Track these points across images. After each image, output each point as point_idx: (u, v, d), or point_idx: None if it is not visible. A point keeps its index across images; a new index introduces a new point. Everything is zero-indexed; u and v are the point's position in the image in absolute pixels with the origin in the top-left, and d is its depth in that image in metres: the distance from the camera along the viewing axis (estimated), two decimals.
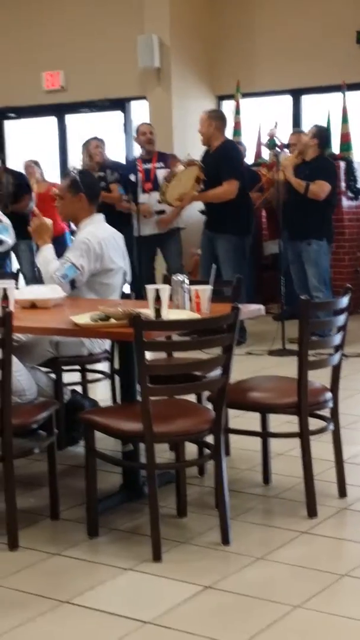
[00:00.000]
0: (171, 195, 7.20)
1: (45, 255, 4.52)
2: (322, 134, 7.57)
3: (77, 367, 5.01)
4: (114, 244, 4.57)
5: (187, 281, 3.86)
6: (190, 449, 3.84)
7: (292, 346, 6.86)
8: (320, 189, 7.26)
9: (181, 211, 7.81)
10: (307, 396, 3.62)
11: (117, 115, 10.72)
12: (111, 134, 10.57)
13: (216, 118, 7.37)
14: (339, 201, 8.71)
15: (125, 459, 3.86)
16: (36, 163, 9.49)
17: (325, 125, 8.51)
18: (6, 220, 4.77)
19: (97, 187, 4.74)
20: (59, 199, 4.64)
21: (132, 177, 7.87)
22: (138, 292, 7.46)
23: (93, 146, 8.39)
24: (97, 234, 4.50)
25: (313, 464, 3.65)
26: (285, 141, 7.75)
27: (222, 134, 7.38)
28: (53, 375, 4.51)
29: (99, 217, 4.65)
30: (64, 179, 4.68)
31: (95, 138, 8.54)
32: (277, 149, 7.76)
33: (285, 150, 7.61)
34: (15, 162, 9.69)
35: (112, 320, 3.51)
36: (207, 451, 3.60)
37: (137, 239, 7.73)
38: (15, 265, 8.42)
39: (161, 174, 7.70)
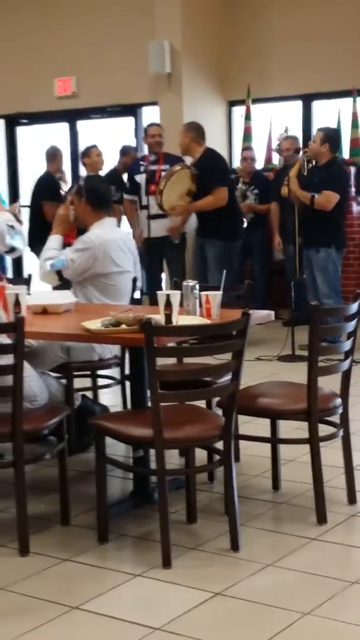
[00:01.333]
0: (167, 201, 7.23)
1: (49, 243, 4.67)
2: (330, 137, 7.45)
3: (88, 372, 5.01)
4: (120, 247, 4.59)
5: (197, 287, 3.87)
6: (200, 455, 3.85)
7: (302, 352, 6.87)
8: (327, 200, 7.19)
9: (188, 217, 7.79)
10: (317, 402, 3.62)
11: (129, 121, 10.73)
12: (122, 140, 10.60)
13: (191, 129, 7.47)
14: (349, 207, 8.70)
15: (136, 464, 3.87)
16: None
17: (331, 126, 8.53)
18: (18, 226, 4.79)
19: (100, 193, 4.68)
20: (71, 205, 4.71)
21: (137, 178, 7.86)
22: (152, 296, 7.49)
23: (95, 154, 8.17)
24: (103, 235, 4.54)
25: (323, 471, 3.65)
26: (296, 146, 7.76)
27: (201, 144, 7.48)
28: (64, 381, 4.52)
29: (110, 221, 4.70)
30: (74, 187, 4.75)
31: (95, 146, 8.34)
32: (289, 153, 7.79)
33: (299, 154, 7.60)
34: (28, 167, 9.69)
35: (123, 326, 3.52)
36: (217, 457, 3.60)
37: (144, 240, 7.76)
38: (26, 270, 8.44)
39: None
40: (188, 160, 7.70)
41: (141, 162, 7.95)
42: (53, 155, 8.98)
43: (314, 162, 7.42)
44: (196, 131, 7.46)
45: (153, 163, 7.79)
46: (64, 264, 4.48)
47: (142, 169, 7.84)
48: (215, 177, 7.31)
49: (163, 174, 7.65)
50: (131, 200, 8.05)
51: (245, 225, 8.53)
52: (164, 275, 8.34)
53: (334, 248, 7.32)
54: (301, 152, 7.51)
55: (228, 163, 10.03)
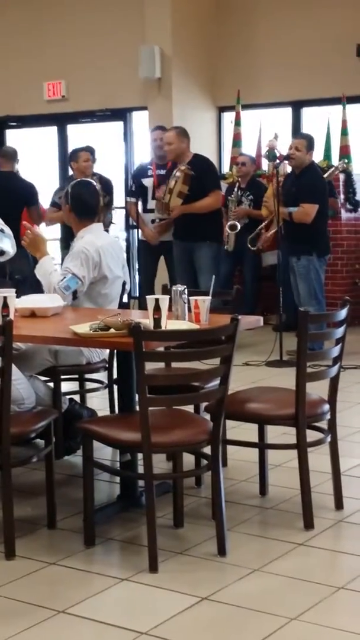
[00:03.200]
0: (172, 201, 7.27)
1: (45, 267, 4.53)
2: (313, 143, 7.41)
3: (76, 376, 5.01)
4: (112, 253, 4.59)
5: (186, 291, 3.87)
6: (188, 460, 3.84)
7: (289, 357, 6.89)
8: (305, 213, 7.15)
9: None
10: (305, 408, 3.63)
11: (118, 126, 10.74)
12: (112, 144, 10.61)
13: (185, 134, 7.50)
14: (337, 213, 8.73)
15: (123, 468, 3.87)
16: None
17: (304, 132, 8.60)
18: (8, 230, 4.78)
19: (84, 202, 4.60)
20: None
21: (145, 182, 7.86)
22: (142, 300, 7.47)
23: (83, 159, 7.90)
24: (95, 242, 4.51)
25: (310, 476, 3.66)
26: (285, 153, 7.76)
27: (189, 149, 7.52)
28: (51, 384, 4.51)
29: (98, 226, 4.67)
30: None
31: (84, 149, 8.06)
32: (277, 160, 7.80)
33: (285, 162, 7.61)
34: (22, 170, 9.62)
35: (112, 330, 3.52)
36: (204, 462, 3.60)
37: (143, 244, 7.75)
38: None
39: None
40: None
41: (148, 167, 7.95)
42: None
43: (289, 169, 7.42)
44: (188, 137, 7.51)
45: (160, 167, 7.79)
46: (77, 282, 4.43)
47: (149, 172, 7.85)
48: (211, 180, 7.41)
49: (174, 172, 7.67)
50: (132, 202, 8.02)
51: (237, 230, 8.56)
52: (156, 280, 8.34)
53: (315, 255, 7.30)
54: (280, 164, 7.49)
55: (218, 169, 10.07)
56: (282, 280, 7.40)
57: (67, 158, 10.74)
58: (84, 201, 4.60)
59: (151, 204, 7.76)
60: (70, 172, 8.24)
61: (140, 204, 7.88)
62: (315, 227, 7.27)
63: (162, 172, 7.75)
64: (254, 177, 8.84)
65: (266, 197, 7.63)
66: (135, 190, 7.91)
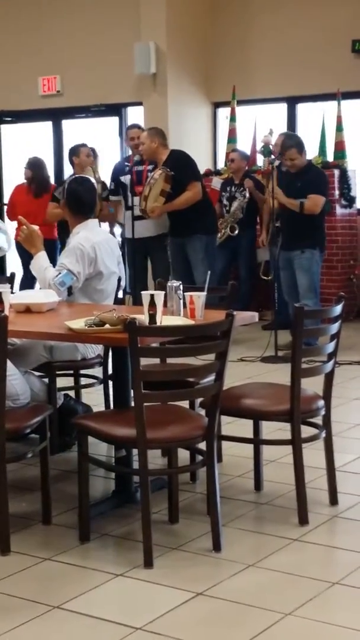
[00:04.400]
0: (149, 204, 7.28)
1: (40, 263, 4.53)
2: (302, 144, 7.44)
3: (71, 371, 5.00)
4: (107, 249, 4.59)
5: (181, 287, 3.87)
6: (183, 455, 3.85)
7: (281, 352, 6.90)
8: (315, 203, 7.25)
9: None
10: (300, 404, 3.63)
11: (113, 121, 10.73)
12: (107, 140, 10.59)
13: (157, 134, 7.54)
14: (332, 209, 8.73)
15: (118, 464, 3.87)
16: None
17: (288, 132, 8.60)
18: (3, 226, 4.77)
19: (79, 198, 4.59)
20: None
21: (123, 179, 7.86)
22: (135, 296, 7.47)
23: (84, 154, 8.04)
24: (91, 238, 4.51)
25: (305, 472, 3.66)
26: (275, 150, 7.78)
27: (166, 147, 7.56)
28: (46, 380, 4.51)
29: (93, 222, 4.67)
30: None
31: (85, 145, 8.22)
32: (272, 156, 7.80)
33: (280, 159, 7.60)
34: (11, 166, 9.65)
35: (107, 326, 3.52)
36: (199, 457, 3.60)
37: (128, 241, 7.74)
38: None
39: None
40: None
41: (126, 163, 7.95)
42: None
43: (275, 164, 7.41)
44: (161, 136, 7.56)
45: (138, 164, 7.78)
46: (72, 278, 4.42)
47: (126, 169, 7.83)
48: (188, 173, 7.43)
49: (149, 174, 7.65)
50: (117, 201, 8.03)
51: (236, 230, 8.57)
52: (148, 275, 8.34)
53: (317, 249, 7.38)
54: (275, 159, 7.48)
55: (212, 164, 10.07)
56: (275, 276, 7.41)
57: (62, 153, 10.80)
58: (79, 197, 4.59)
59: (131, 201, 7.74)
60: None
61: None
62: (319, 221, 7.35)
63: (140, 168, 7.76)
64: (248, 173, 8.83)
65: (277, 192, 7.53)
66: (115, 188, 7.92)
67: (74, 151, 8.16)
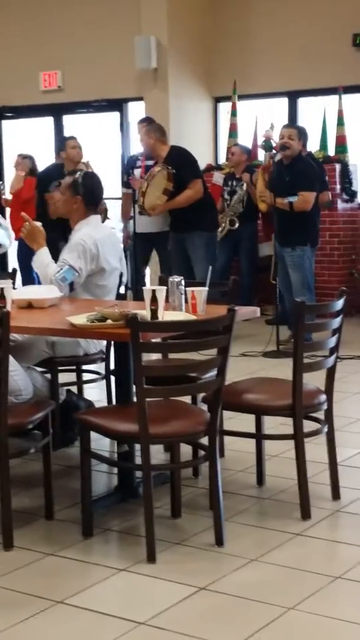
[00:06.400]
0: (148, 202, 7.27)
1: (42, 259, 4.53)
2: (304, 133, 7.39)
3: (73, 367, 5.01)
4: (109, 245, 4.59)
5: (183, 282, 3.87)
6: (185, 450, 3.85)
7: (283, 346, 6.90)
8: (305, 201, 7.12)
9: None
10: (302, 398, 3.64)
11: (114, 116, 10.72)
12: (108, 135, 10.59)
13: (154, 130, 7.53)
14: (334, 203, 8.72)
15: (121, 459, 3.87)
16: (29, 158, 9.13)
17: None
18: (4, 223, 4.77)
19: (97, 192, 4.66)
20: (61, 194, 4.66)
21: (135, 172, 7.86)
22: (135, 292, 7.48)
23: (70, 146, 7.90)
24: (93, 234, 4.51)
25: (307, 466, 3.67)
26: (278, 143, 7.73)
27: (165, 142, 7.55)
28: (48, 376, 4.51)
29: (96, 218, 4.66)
30: (69, 177, 4.66)
31: (71, 137, 8.14)
32: (274, 150, 7.78)
33: (281, 152, 7.56)
34: (12, 161, 9.64)
35: (109, 321, 3.52)
36: (201, 452, 3.61)
37: (135, 235, 7.75)
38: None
39: None
40: None
41: (139, 157, 7.96)
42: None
43: (276, 159, 7.37)
44: (159, 131, 7.54)
45: (149, 159, 7.80)
46: (74, 274, 4.42)
47: (138, 164, 7.86)
48: (189, 171, 7.41)
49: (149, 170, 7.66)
50: (128, 193, 8.04)
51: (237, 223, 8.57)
52: (147, 271, 8.34)
53: (309, 245, 7.30)
54: (276, 154, 7.44)
55: (214, 159, 10.06)
56: (278, 271, 7.40)
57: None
58: (96, 192, 4.62)
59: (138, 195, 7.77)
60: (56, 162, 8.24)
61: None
62: (310, 217, 7.27)
63: (151, 162, 7.76)
64: (249, 167, 8.82)
65: (260, 192, 7.58)
66: (127, 181, 7.92)
67: (61, 145, 8.13)
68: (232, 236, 8.57)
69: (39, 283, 4.77)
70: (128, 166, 8.08)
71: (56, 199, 4.73)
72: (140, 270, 8.00)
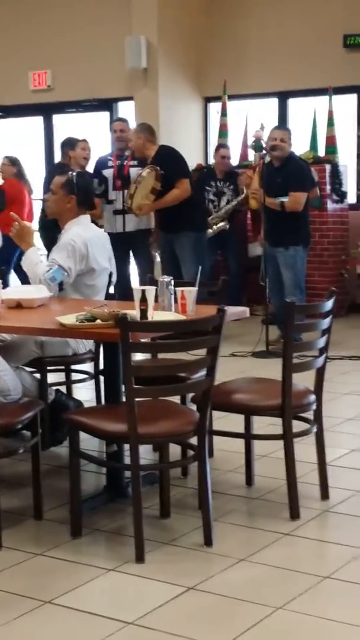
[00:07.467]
0: (135, 202, 7.27)
1: (31, 259, 4.53)
2: (290, 134, 7.45)
3: (62, 367, 5.00)
4: (99, 245, 4.58)
5: (172, 282, 3.87)
6: (174, 450, 3.85)
7: (272, 347, 6.91)
8: (296, 201, 7.14)
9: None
10: (291, 398, 3.64)
11: (104, 116, 10.71)
12: (98, 134, 10.57)
13: (143, 130, 7.54)
14: (324, 204, 8.73)
15: (109, 459, 3.87)
16: (13, 161, 9.03)
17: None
18: None
19: (90, 192, 4.66)
20: (52, 194, 4.64)
21: (105, 173, 7.84)
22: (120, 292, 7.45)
23: (81, 147, 8.04)
24: (83, 234, 4.50)
25: (296, 466, 3.67)
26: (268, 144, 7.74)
27: (154, 142, 7.55)
28: (37, 375, 4.51)
29: (85, 218, 4.66)
30: (61, 176, 4.64)
31: (84, 140, 8.21)
32: (263, 151, 7.78)
33: (272, 152, 7.56)
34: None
35: (98, 321, 3.52)
36: (191, 452, 3.61)
37: (109, 236, 7.72)
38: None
39: (134, 172, 7.64)
40: None
41: (109, 157, 7.94)
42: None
43: (266, 160, 7.37)
44: (148, 131, 7.54)
45: (120, 158, 7.79)
46: (63, 273, 4.41)
47: (109, 164, 7.84)
48: (177, 170, 7.39)
49: (132, 170, 7.66)
50: (99, 194, 8.00)
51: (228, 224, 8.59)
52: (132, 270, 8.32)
53: (301, 246, 7.32)
54: (266, 154, 7.44)
55: (203, 159, 10.07)
56: (268, 272, 7.40)
57: (53, 148, 10.77)
58: (89, 191, 4.63)
59: (111, 195, 7.75)
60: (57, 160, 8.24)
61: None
62: (303, 217, 7.29)
63: (123, 163, 7.75)
64: (233, 169, 8.84)
65: (254, 190, 7.58)
66: (98, 182, 7.87)
67: (70, 144, 8.11)
68: (218, 236, 8.58)
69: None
70: (99, 167, 7.99)
71: (48, 198, 4.71)
72: (122, 271, 7.94)
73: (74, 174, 4.62)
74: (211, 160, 9.87)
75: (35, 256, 4.52)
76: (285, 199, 7.12)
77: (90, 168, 8.09)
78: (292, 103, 9.81)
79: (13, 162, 9.03)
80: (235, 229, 8.78)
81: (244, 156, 9.47)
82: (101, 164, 7.99)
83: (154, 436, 3.41)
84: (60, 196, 4.58)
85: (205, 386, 3.44)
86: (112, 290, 4.85)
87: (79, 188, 4.55)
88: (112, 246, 4.74)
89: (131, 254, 7.97)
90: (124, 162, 7.78)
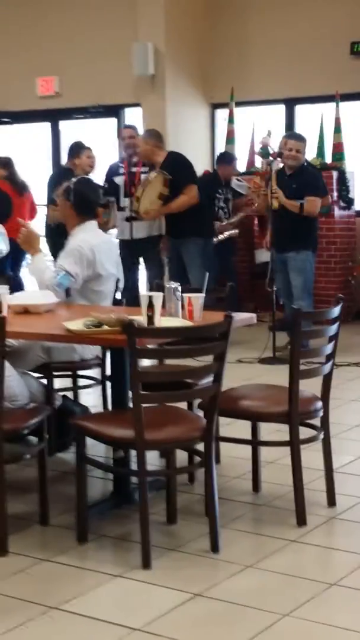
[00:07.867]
0: (143, 206, 7.27)
1: (38, 265, 4.54)
2: (305, 145, 7.48)
3: (68, 372, 5.00)
4: (106, 251, 4.59)
5: (180, 289, 3.87)
6: (181, 457, 3.85)
7: (279, 353, 6.90)
8: (314, 205, 7.25)
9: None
10: (298, 405, 3.63)
11: (111, 122, 10.73)
12: (105, 141, 10.59)
13: (151, 136, 7.57)
14: (331, 211, 8.74)
15: (116, 465, 3.87)
16: (4, 164, 8.83)
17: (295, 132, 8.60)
18: (1, 229, 4.77)
19: (87, 199, 4.61)
20: (57, 200, 4.68)
21: (117, 180, 7.86)
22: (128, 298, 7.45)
23: (86, 155, 7.95)
24: (90, 240, 4.51)
25: (303, 473, 3.67)
26: (277, 150, 7.75)
27: (162, 149, 7.58)
28: (44, 381, 4.51)
29: (92, 224, 4.66)
30: (66, 182, 4.67)
31: (89, 148, 8.11)
32: (270, 157, 7.79)
33: (279, 159, 7.58)
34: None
35: (105, 327, 3.52)
36: (197, 459, 3.60)
37: (121, 242, 7.73)
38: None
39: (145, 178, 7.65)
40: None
41: (120, 165, 7.96)
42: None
43: (279, 167, 7.39)
44: (156, 137, 7.56)
45: (131, 165, 7.80)
46: (70, 279, 4.42)
47: (120, 171, 7.85)
48: (185, 176, 7.41)
49: (142, 176, 7.66)
50: (111, 202, 8.01)
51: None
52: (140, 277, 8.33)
53: (311, 250, 7.37)
54: (273, 161, 7.45)
55: (211, 166, 10.07)
56: (277, 278, 7.40)
57: (59, 155, 10.79)
58: (86, 198, 4.60)
59: (123, 202, 7.75)
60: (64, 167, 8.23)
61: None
62: (314, 223, 7.37)
63: (134, 170, 7.76)
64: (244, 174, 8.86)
65: (276, 189, 7.51)
66: (109, 189, 7.88)
67: (76, 151, 8.08)
68: (226, 240, 8.58)
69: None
70: (110, 174, 8.00)
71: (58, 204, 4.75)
72: (131, 277, 7.94)
73: (74, 180, 4.65)
74: None
75: (42, 262, 4.54)
76: (304, 202, 7.17)
77: (97, 176, 8.10)
78: (299, 109, 9.82)
79: (4, 164, 8.82)
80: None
81: (251, 163, 9.47)
82: (112, 172, 8.00)
83: (161, 442, 3.41)
84: (61, 203, 4.64)
85: (212, 392, 3.44)
86: (118, 296, 4.86)
87: (75, 195, 4.56)
88: (123, 253, 4.75)
89: (142, 260, 7.98)
90: (135, 169, 7.78)
